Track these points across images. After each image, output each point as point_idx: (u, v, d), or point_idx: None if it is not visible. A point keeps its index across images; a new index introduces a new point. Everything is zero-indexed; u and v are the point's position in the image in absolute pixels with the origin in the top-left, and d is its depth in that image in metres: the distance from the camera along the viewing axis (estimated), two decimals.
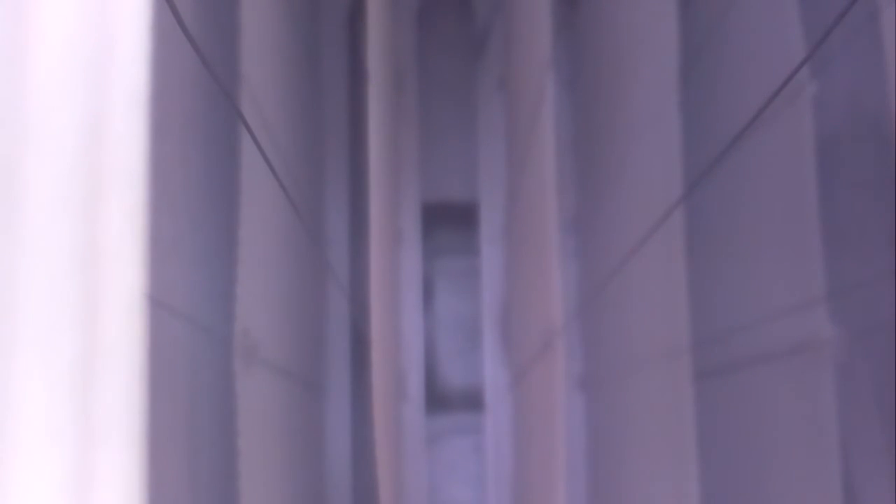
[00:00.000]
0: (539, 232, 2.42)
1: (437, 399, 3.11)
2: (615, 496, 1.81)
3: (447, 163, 3.20)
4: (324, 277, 2.21)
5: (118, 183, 0.88)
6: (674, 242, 1.36)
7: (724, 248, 1.17)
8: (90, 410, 0.83)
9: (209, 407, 1.19)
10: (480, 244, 3.18)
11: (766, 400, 1.03)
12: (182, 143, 1.09)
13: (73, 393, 0.82)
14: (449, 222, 3.19)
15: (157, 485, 0.93)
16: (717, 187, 1.18)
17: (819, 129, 0.91)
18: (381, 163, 2.78)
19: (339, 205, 2.38)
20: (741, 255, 1.10)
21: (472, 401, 3.12)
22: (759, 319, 1.03)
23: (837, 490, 0.86)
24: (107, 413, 0.85)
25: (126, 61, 0.91)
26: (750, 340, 1.06)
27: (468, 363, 3.12)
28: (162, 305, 0.96)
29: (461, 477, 3.09)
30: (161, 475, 0.95)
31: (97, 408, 0.84)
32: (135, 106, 0.91)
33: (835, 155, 0.87)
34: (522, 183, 2.77)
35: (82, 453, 0.82)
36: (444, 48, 3.24)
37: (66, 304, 0.82)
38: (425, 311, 3.13)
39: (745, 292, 1.09)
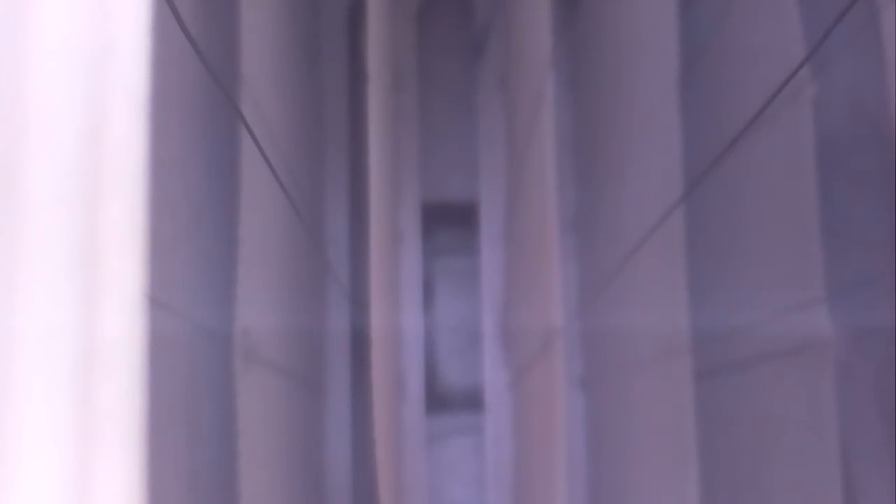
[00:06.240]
0: (539, 232, 2.42)
1: (437, 399, 3.11)
2: (615, 496, 1.81)
3: (447, 163, 3.20)
4: (324, 277, 2.21)
5: (118, 183, 0.88)
6: (674, 242, 1.36)
7: (723, 248, 1.17)
8: (90, 410, 0.83)
9: (209, 407, 1.19)
10: (480, 244, 3.17)
11: (767, 400, 1.03)
12: (182, 143, 1.09)
13: (73, 393, 0.82)
14: (449, 222, 3.19)
15: (157, 484, 0.93)
16: (717, 187, 1.18)
17: (819, 129, 0.90)
18: (381, 163, 2.78)
19: (339, 205, 2.38)
20: (741, 254, 1.10)
21: (472, 401, 3.12)
22: (760, 319, 1.03)
23: (837, 490, 0.86)
24: (107, 413, 0.85)
25: (126, 61, 0.91)
26: (750, 340, 1.06)
27: (468, 363, 3.12)
28: (162, 305, 0.96)
29: (461, 477, 3.08)
30: (161, 475, 0.94)
31: (97, 407, 0.84)
32: (135, 106, 0.91)
33: (835, 155, 0.87)
34: (522, 183, 2.77)
35: (82, 453, 0.82)
36: (444, 48, 3.24)
37: (66, 303, 0.82)
38: (425, 311, 3.13)
39: (744, 292, 1.09)
